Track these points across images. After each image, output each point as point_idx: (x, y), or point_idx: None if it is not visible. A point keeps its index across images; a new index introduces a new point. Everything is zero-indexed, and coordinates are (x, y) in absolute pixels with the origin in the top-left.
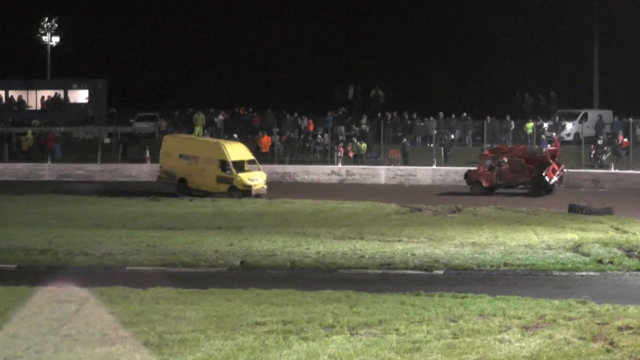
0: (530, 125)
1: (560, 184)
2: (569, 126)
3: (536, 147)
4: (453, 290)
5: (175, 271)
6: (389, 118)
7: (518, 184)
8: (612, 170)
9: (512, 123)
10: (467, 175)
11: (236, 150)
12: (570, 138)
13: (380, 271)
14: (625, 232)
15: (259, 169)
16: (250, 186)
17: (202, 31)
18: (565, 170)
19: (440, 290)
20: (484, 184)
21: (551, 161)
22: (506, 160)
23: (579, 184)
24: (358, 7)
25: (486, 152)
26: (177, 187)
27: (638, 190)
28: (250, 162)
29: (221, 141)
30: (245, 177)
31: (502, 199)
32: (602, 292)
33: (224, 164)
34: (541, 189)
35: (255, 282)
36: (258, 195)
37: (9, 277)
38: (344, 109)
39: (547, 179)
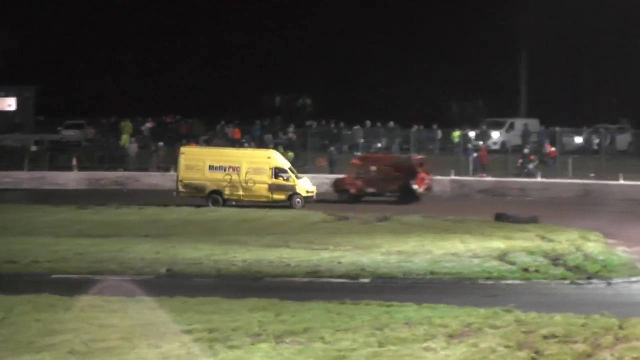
0: (456, 133)
1: (429, 192)
2: (496, 135)
3: (406, 156)
4: (379, 298)
5: (102, 279)
6: (314, 126)
7: (386, 191)
8: (539, 179)
9: (439, 132)
10: (335, 183)
11: (281, 158)
12: (497, 147)
13: (306, 279)
14: (551, 240)
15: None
16: (312, 192)
17: (129, 39)
18: (432, 178)
19: (367, 298)
20: (351, 192)
21: (419, 170)
22: (374, 168)
23: (506, 193)
24: (285, 15)
25: (355, 160)
26: (211, 199)
27: (564, 199)
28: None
29: (266, 150)
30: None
31: (371, 206)
32: (528, 300)
33: (278, 172)
34: (408, 197)
35: (181, 290)
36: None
37: None
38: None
39: (414, 187)
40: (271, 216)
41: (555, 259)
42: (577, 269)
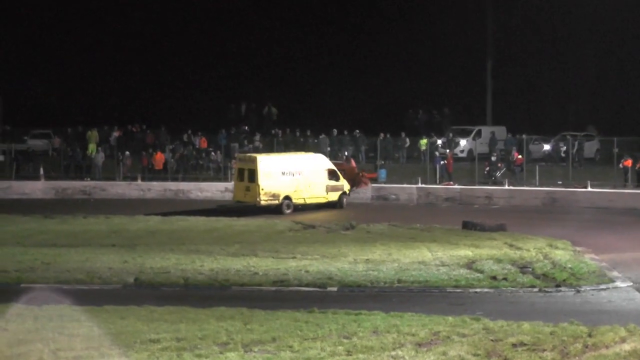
0: (423, 141)
1: None
2: (463, 142)
3: None
4: (347, 307)
5: (69, 288)
6: (281, 135)
7: None
8: (506, 187)
9: (407, 140)
10: None
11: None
12: (464, 155)
13: (274, 288)
14: (518, 248)
15: None
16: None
17: (94, 48)
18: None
19: (334, 307)
20: None
21: None
22: None
23: (473, 201)
24: (250, 25)
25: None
26: (285, 205)
27: (531, 206)
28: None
29: (316, 153)
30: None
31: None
32: (496, 308)
33: (330, 173)
34: None
35: (149, 299)
36: None
37: None
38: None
39: None
40: (238, 225)
41: (524, 267)
42: (545, 277)
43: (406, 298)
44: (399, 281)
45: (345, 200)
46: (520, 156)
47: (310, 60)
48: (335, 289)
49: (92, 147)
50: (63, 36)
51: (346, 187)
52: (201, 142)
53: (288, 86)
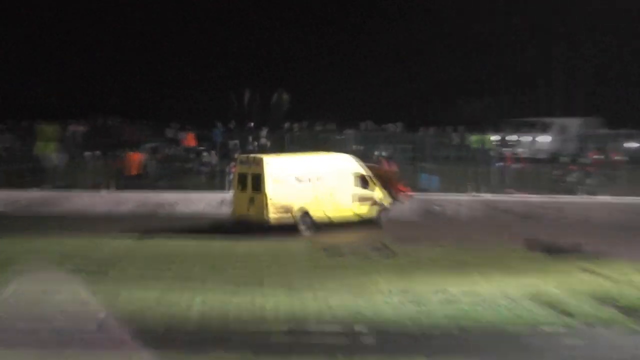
0: (476, 138)
1: None
2: (527, 139)
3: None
4: (380, 353)
5: (23, 329)
6: (296, 129)
7: None
8: (581, 196)
9: (461, 135)
10: None
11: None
12: (535, 154)
13: (286, 329)
14: (597, 274)
15: None
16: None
17: (60, 29)
18: None
19: (363, 353)
20: None
21: None
22: None
23: (540, 213)
24: (249, 24)
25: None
26: (302, 221)
27: (613, 221)
28: None
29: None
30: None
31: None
32: (568, 352)
33: (363, 180)
34: None
35: (125, 342)
36: None
37: None
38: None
39: None
40: (239, 248)
41: (604, 299)
42: (631, 310)
43: (455, 340)
44: (447, 318)
45: (381, 214)
46: (602, 156)
47: (334, 37)
48: (365, 329)
49: (48, 145)
50: (20, 18)
51: (381, 197)
52: (189, 138)
53: (304, 67)
